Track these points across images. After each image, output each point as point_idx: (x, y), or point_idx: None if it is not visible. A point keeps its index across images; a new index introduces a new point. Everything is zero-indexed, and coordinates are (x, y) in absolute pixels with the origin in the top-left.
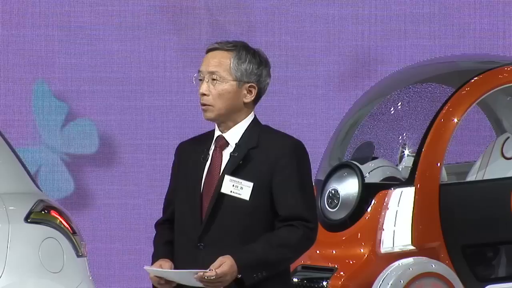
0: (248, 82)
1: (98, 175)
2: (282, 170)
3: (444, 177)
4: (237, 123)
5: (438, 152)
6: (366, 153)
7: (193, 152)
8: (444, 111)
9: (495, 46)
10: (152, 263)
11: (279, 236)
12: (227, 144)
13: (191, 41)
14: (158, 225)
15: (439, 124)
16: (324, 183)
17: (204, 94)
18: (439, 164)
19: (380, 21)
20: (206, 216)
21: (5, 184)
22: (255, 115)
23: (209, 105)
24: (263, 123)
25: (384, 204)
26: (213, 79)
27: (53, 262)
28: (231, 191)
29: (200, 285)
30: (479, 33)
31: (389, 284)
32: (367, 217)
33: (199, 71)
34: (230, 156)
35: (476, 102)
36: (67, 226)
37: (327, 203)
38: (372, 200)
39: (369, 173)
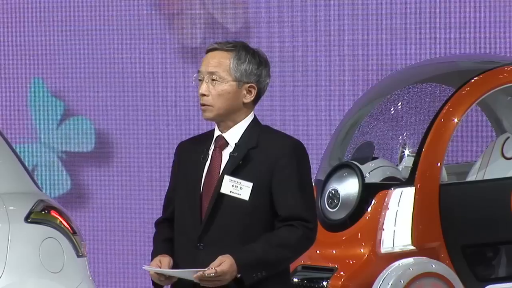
0: (248, 82)
1: (94, 173)
2: (281, 170)
3: (444, 177)
4: (237, 123)
5: (438, 152)
6: (366, 153)
7: (193, 151)
8: (444, 111)
9: (495, 46)
10: (152, 260)
11: (279, 236)
12: (226, 144)
13: (189, 40)
14: (157, 223)
15: (439, 124)
16: (324, 183)
17: (204, 95)
18: (439, 164)
19: (380, 21)
20: (205, 216)
21: (5, 184)
22: (255, 115)
23: (208, 105)
24: (263, 123)
25: (384, 204)
26: (213, 80)
27: (53, 262)
28: (230, 191)
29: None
30: (479, 33)
31: (389, 284)
32: (367, 217)
33: (198, 71)
34: (229, 156)
35: (476, 102)
36: (67, 226)
37: (327, 203)
38: (372, 200)
39: (369, 173)
